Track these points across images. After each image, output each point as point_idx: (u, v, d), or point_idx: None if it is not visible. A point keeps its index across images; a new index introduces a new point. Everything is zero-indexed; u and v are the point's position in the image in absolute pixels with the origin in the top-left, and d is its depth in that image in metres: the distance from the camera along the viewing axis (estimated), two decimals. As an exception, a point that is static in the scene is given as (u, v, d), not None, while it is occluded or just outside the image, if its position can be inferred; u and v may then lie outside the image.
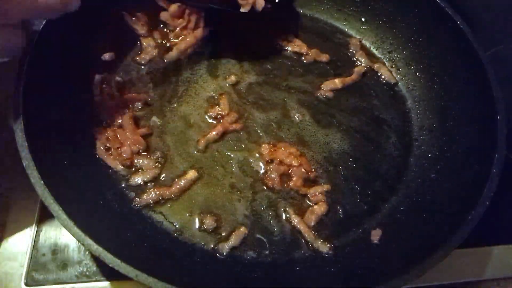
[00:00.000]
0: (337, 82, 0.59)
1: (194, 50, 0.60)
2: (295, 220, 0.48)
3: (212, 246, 0.47)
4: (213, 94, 0.57)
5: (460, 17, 0.53)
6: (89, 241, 0.36)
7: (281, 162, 0.52)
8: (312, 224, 0.48)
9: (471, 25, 0.53)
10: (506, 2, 0.67)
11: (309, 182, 0.52)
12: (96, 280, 0.46)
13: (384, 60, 0.63)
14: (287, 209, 0.49)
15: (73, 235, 0.37)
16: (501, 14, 0.67)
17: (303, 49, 0.62)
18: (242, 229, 0.47)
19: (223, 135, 0.54)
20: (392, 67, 0.62)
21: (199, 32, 0.59)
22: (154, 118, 0.55)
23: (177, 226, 0.47)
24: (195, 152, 0.53)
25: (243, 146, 0.54)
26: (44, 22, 0.46)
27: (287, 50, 0.62)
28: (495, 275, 0.50)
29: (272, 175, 0.51)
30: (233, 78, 0.58)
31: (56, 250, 0.48)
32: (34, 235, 0.48)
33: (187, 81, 0.58)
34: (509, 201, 0.54)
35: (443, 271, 0.48)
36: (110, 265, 0.36)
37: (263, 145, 0.53)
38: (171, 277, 0.36)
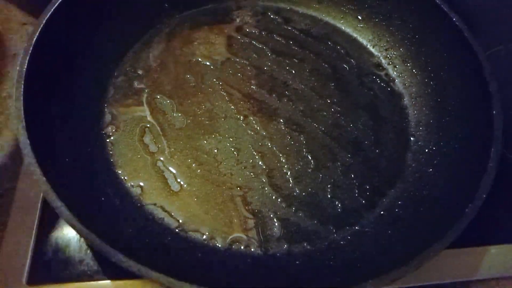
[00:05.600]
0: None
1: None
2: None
3: (213, 241, 0.47)
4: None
5: (460, 17, 0.54)
6: (92, 236, 0.37)
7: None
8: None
9: (470, 25, 0.53)
10: (506, 2, 0.67)
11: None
12: (97, 279, 0.46)
13: (381, 58, 0.64)
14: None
15: (76, 231, 0.37)
16: (501, 14, 0.68)
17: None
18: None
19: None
20: (389, 64, 0.63)
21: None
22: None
23: (179, 221, 0.48)
24: (196, 149, 0.53)
25: (242, 143, 0.54)
26: (45, 20, 0.47)
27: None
28: (495, 275, 0.50)
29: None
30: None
31: (57, 249, 0.48)
32: (35, 235, 0.48)
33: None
34: (508, 200, 0.54)
35: (443, 270, 0.49)
36: (112, 260, 0.36)
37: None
38: (172, 272, 0.36)
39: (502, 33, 0.66)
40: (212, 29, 0.65)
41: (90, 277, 0.46)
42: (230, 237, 0.47)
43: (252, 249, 0.47)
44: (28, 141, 0.41)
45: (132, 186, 0.50)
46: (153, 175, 0.51)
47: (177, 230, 0.47)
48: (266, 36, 0.65)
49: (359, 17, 0.65)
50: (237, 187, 0.51)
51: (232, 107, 0.57)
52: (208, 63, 0.61)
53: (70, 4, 0.50)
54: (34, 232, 0.48)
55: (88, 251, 0.47)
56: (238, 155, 0.53)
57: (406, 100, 0.60)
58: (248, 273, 0.45)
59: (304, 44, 0.64)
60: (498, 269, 0.50)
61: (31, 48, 0.46)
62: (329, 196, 0.51)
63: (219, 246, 0.47)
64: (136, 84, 0.58)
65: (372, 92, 0.60)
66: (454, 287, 0.49)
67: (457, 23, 0.53)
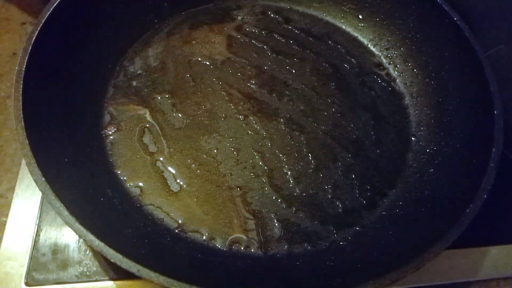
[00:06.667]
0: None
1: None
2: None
3: (213, 242, 0.47)
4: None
5: (460, 17, 0.54)
6: (91, 236, 0.36)
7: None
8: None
9: (471, 25, 0.53)
10: (506, 2, 0.67)
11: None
12: (96, 280, 0.46)
13: (382, 57, 0.63)
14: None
15: (75, 231, 0.37)
16: (501, 14, 0.68)
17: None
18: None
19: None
20: (389, 64, 0.63)
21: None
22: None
23: (178, 222, 0.48)
24: (195, 149, 0.53)
25: (242, 143, 0.54)
26: (44, 20, 0.47)
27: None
28: (495, 275, 0.50)
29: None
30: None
31: (56, 250, 0.48)
32: (34, 235, 0.48)
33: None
34: (508, 200, 0.54)
35: (443, 271, 0.48)
36: (111, 260, 0.36)
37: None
38: (172, 272, 0.36)
39: (502, 33, 0.66)
40: (212, 29, 0.65)
41: (89, 278, 0.46)
42: (230, 237, 0.47)
43: (252, 250, 0.47)
44: (27, 141, 0.40)
45: (132, 186, 0.50)
46: (153, 176, 0.51)
47: (176, 231, 0.47)
48: (266, 35, 0.65)
49: (360, 17, 0.65)
50: (237, 187, 0.51)
51: (232, 107, 0.57)
52: (208, 63, 0.61)
53: (69, 3, 0.50)
54: (33, 232, 0.48)
55: (88, 252, 0.47)
56: (238, 155, 0.53)
57: (407, 100, 0.60)
58: (248, 273, 0.45)
59: (304, 43, 0.64)
60: (499, 269, 0.50)
61: (30, 48, 0.46)
62: (329, 196, 0.51)
63: (219, 246, 0.47)
64: (135, 83, 0.58)
65: (373, 92, 0.60)
66: (454, 287, 0.49)
67: (458, 22, 0.53)
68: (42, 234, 0.48)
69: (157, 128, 0.54)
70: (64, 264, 0.47)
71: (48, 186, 0.38)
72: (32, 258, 0.47)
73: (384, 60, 0.63)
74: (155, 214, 0.48)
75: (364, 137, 0.56)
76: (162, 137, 0.54)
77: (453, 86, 0.55)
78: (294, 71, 0.61)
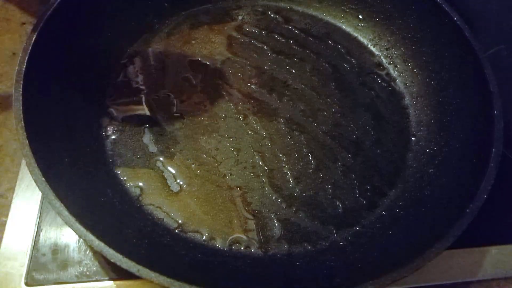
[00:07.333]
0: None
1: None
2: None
3: (213, 242, 0.47)
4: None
5: (460, 17, 0.54)
6: (91, 236, 0.36)
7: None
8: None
9: (471, 25, 0.53)
10: (506, 3, 0.67)
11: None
12: (96, 280, 0.46)
13: (382, 57, 0.63)
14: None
15: (75, 231, 0.37)
16: (501, 14, 0.68)
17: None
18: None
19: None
20: (389, 64, 0.63)
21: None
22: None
23: (178, 222, 0.48)
24: (195, 149, 0.53)
25: (242, 143, 0.54)
26: (44, 20, 0.47)
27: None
28: (496, 275, 0.50)
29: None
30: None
31: (56, 250, 0.47)
32: (34, 235, 0.48)
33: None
34: (508, 200, 0.54)
35: (443, 271, 0.48)
36: (111, 261, 0.36)
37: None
38: (172, 272, 0.36)
39: (502, 33, 0.66)
40: (212, 29, 0.65)
41: (89, 278, 0.46)
42: (230, 237, 0.47)
43: (252, 250, 0.47)
44: (27, 141, 0.41)
45: (132, 186, 0.50)
46: (153, 176, 0.51)
47: (176, 231, 0.47)
48: (266, 35, 0.65)
49: (360, 17, 0.65)
50: (237, 187, 0.51)
51: (232, 107, 0.57)
52: (208, 63, 0.61)
53: (69, 3, 0.50)
54: (33, 232, 0.48)
55: (88, 252, 0.47)
56: (238, 155, 0.53)
57: (407, 100, 0.60)
58: (248, 273, 0.45)
59: (304, 43, 0.64)
60: (499, 269, 0.49)
61: (30, 48, 0.46)
62: (329, 196, 0.51)
63: (219, 246, 0.47)
64: (135, 83, 0.58)
65: (372, 92, 0.60)
66: (454, 287, 0.49)
67: (458, 22, 0.53)
68: (42, 234, 0.48)
69: (157, 128, 0.54)
70: (64, 264, 0.47)
71: (48, 186, 0.38)
72: (32, 258, 0.47)
73: (384, 60, 0.63)
74: (155, 214, 0.48)
75: (364, 137, 0.56)
76: (162, 137, 0.54)
77: (453, 86, 0.55)
78: (294, 71, 0.61)
